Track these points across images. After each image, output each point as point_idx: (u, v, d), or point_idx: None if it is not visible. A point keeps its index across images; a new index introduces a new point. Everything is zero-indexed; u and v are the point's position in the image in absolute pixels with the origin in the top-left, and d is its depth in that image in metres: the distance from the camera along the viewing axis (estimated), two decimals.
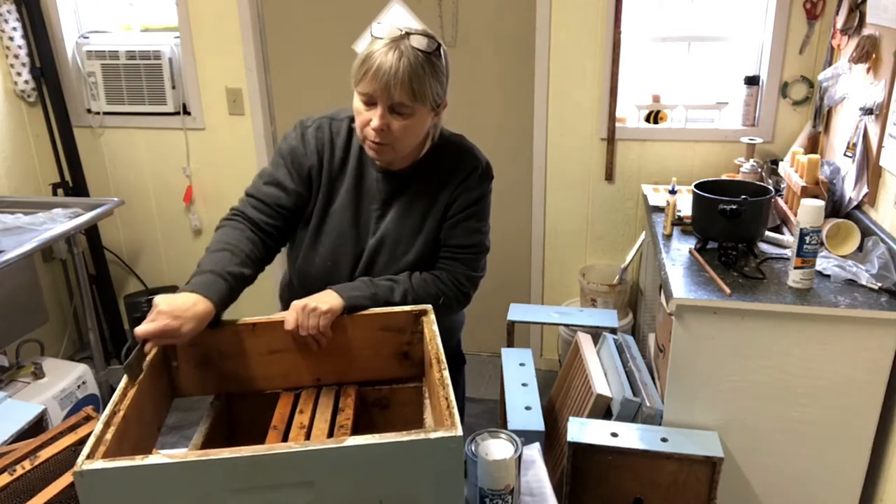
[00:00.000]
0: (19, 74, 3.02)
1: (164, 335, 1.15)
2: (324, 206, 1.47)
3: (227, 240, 1.36)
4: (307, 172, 1.45)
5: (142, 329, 1.14)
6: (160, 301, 1.18)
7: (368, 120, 1.32)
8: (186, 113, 3.13)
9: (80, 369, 2.60)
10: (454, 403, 1.01)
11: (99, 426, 0.97)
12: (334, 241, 1.46)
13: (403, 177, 1.46)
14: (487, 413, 2.89)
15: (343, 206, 1.46)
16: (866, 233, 1.88)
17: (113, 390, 1.06)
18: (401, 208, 1.46)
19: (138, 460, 0.88)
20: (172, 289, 3.33)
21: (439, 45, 1.34)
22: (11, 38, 2.96)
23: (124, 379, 1.09)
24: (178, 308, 1.17)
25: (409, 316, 1.32)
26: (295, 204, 1.46)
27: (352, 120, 1.44)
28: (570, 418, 1.87)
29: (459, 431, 0.94)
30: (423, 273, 1.45)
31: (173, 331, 1.15)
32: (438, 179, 1.46)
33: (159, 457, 0.89)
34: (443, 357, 1.15)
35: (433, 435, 0.93)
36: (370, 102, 1.32)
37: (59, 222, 2.50)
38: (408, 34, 1.30)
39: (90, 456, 0.91)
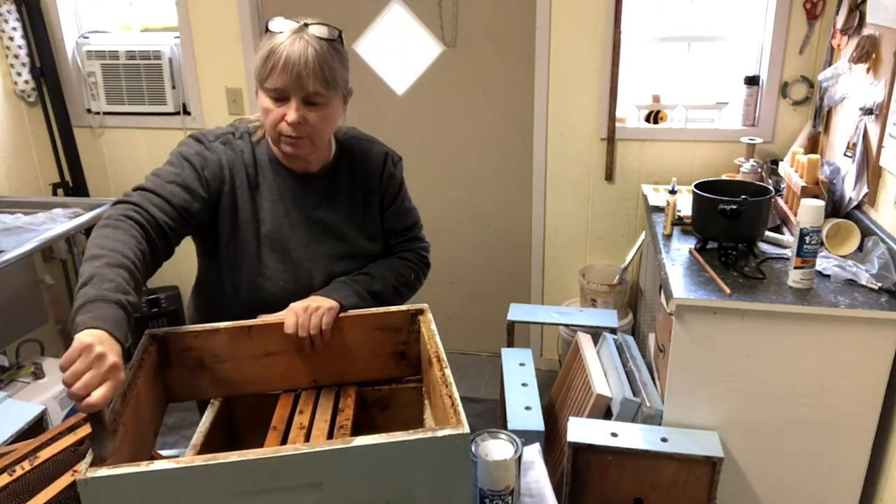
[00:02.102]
0: (19, 74, 3.02)
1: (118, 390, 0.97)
2: (254, 228, 1.38)
3: (125, 252, 1.11)
4: (218, 186, 1.35)
5: (101, 396, 0.91)
6: (100, 346, 0.93)
7: (282, 115, 1.27)
8: (186, 113, 3.13)
9: None
10: (458, 401, 1.01)
11: None
12: (281, 259, 1.39)
13: (323, 178, 1.43)
14: (487, 413, 2.89)
15: (276, 222, 1.39)
16: (866, 233, 1.88)
17: None
18: (336, 209, 1.43)
19: (143, 466, 0.87)
20: (172, 289, 3.33)
21: (340, 32, 1.33)
22: (11, 38, 2.96)
23: (90, 456, 0.89)
24: (118, 351, 0.96)
25: (406, 315, 1.31)
26: (199, 212, 1.32)
27: (251, 133, 1.41)
28: (570, 418, 1.87)
29: (466, 429, 0.94)
30: (386, 260, 1.49)
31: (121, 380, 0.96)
32: (361, 173, 1.46)
33: (165, 462, 0.88)
34: (443, 355, 1.15)
35: (440, 433, 0.93)
36: (281, 98, 1.27)
37: (59, 222, 2.50)
38: (306, 24, 1.28)
39: (94, 463, 0.90)
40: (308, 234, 1.41)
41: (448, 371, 1.10)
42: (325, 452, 0.90)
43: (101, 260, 1.08)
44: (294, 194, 1.40)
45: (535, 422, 1.91)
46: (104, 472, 0.87)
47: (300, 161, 1.39)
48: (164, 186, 1.28)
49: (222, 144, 1.38)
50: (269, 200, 1.39)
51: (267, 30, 1.30)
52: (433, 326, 1.26)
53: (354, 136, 1.49)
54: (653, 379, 2.08)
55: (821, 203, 1.69)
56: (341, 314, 1.30)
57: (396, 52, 2.97)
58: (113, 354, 0.94)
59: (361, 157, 1.47)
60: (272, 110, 1.29)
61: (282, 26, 1.28)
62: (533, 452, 1.39)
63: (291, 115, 1.27)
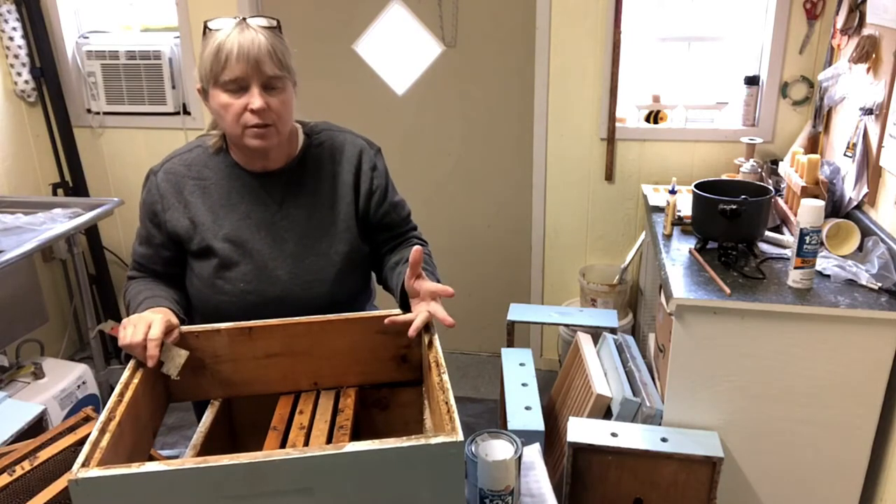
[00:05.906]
0: (19, 74, 3.02)
1: (169, 328, 1.20)
2: (212, 233, 1.38)
3: (155, 291, 1.36)
4: (163, 216, 1.40)
5: (157, 332, 1.15)
6: (147, 316, 1.20)
7: (244, 106, 1.26)
8: (186, 113, 3.13)
9: (80, 369, 2.60)
10: (454, 408, 1.01)
11: (94, 433, 0.96)
12: (242, 261, 1.38)
13: (287, 174, 1.40)
14: (487, 413, 2.89)
15: (235, 225, 1.38)
16: (866, 233, 1.88)
17: (113, 390, 1.06)
18: (303, 205, 1.40)
19: (134, 468, 0.87)
20: None
21: (278, 21, 1.33)
22: (11, 38, 2.96)
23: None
24: (163, 312, 1.22)
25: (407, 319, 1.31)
26: (167, 244, 1.42)
27: (207, 146, 1.41)
28: (570, 418, 1.87)
29: (460, 437, 0.93)
30: (415, 245, 1.45)
31: (170, 323, 1.20)
32: (332, 164, 1.43)
33: (155, 464, 0.88)
34: (442, 361, 1.15)
35: (433, 440, 0.92)
36: (239, 89, 1.26)
37: (59, 222, 2.50)
38: (244, 18, 1.29)
39: (85, 463, 0.90)
40: (273, 234, 1.39)
41: (446, 377, 1.10)
42: (318, 458, 0.90)
43: (142, 300, 1.32)
44: (256, 195, 1.39)
45: (535, 422, 1.91)
46: (94, 472, 0.87)
47: (259, 160, 1.38)
48: (138, 250, 1.45)
49: (164, 174, 1.42)
50: (226, 206, 1.39)
51: (207, 30, 1.31)
52: (434, 330, 1.25)
53: (326, 129, 1.47)
54: (653, 379, 2.08)
55: (821, 203, 1.69)
56: (350, 316, 1.30)
57: (396, 52, 2.97)
58: (157, 319, 1.17)
59: (332, 148, 1.44)
60: (232, 104, 1.27)
61: (222, 24, 1.29)
62: (533, 452, 1.39)
63: (256, 102, 1.25)
